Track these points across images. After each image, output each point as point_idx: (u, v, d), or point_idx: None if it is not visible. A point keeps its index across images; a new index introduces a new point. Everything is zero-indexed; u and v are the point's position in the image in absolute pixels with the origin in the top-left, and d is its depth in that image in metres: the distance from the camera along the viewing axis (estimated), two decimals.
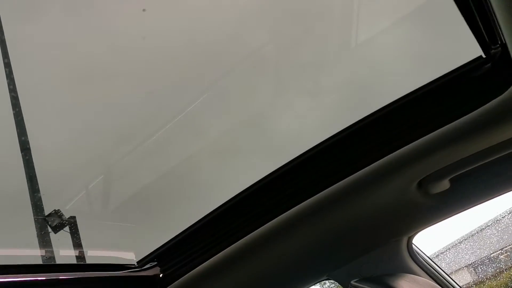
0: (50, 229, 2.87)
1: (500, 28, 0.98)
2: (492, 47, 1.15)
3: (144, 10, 2.66)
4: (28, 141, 3.06)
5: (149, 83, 2.91)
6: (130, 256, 1.67)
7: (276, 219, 1.47)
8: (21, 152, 3.02)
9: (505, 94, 1.16)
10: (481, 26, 1.09)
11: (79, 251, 2.50)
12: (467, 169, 1.36)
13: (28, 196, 2.94)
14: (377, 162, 1.36)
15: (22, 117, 3.08)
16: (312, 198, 1.44)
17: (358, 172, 1.39)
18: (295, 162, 1.48)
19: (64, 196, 2.91)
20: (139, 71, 2.96)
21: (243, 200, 1.52)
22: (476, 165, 1.35)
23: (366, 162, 1.38)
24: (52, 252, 2.86)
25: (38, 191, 2.94)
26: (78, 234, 2.74)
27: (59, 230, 2.84)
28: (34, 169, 2.99)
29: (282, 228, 1.48)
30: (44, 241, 2.87)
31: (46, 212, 2.95)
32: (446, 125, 1.25)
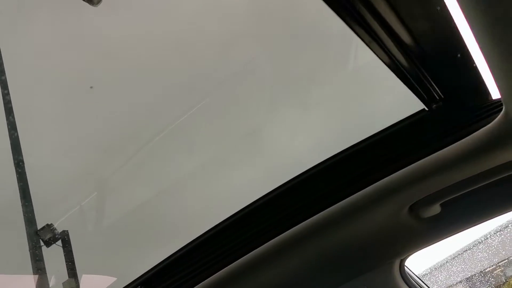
0: (42, 243, 2.86)
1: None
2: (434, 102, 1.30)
3: (91, 87, 2.68)
4: (22, 157, 3.05)
5: (139, 95, 2.90)
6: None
7: (268, 242, 1.49)
8: (15, 165, 3.01)
9: (492, 124, 1.18)
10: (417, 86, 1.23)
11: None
12: (457, 195, 1.39)
13: (21, 209, 2.94)
14: (370, 186, 1.39)
15: (17, 131, 3.08)
16: (305, 221, 1.47)
17: (351, 196, 1.42)
18: (288, 185, 1.50)
19: (57, 210, 2.90)
20: (129, 83, 2.95)
21: (234, 224, 1.54)
22: (466, 191, 1.38)
23: (359, 186, 1.40)
24: (43, 265, 2.86)
25: (31, 204, 2.93)
26: (71, 249, 2.74)
27: (51, 244, 2.83)
28: (27, 182, 2.98)
29: (275, 251, 1.50)
30: (36, 255, 2.86)
31: (39, 226, 2.95)
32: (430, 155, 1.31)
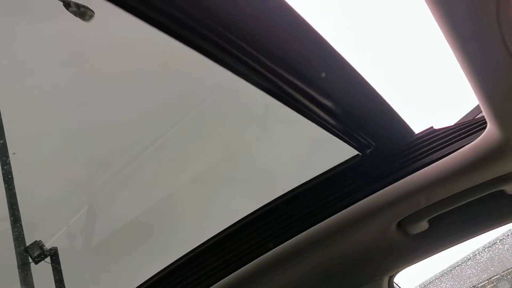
0: (31, 260, 2.84)
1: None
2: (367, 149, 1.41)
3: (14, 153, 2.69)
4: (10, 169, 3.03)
5: (129, 110, 2.90)
6: None
7: (255, 260, 1.49)
8: (4, 181, 2.99)
9: (477, 141, 1.22)
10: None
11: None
12: (445, 211, 1.41)
13: (9, 226, 2.91)
14: (358, 203, 1.40)
15: (6, 145, 3.05)
16: (293, 238, 1.47)
17: (339, 213, 1.43)
18: (275, 203, 1.51)
19: (46, 226, 2.89)
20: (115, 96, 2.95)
21: (224, 239, 1.54)
22: (453, 207, 1.40)
23: (347, 203, 1.42)
24: (32, 282, 2.83)
25: (20, 220, 2.91)
26: (59, 266, 2.72)
27: (40, 261, 2.81)
28: (16, 197, 2.96)
29: (263, 268, 1.50)
30: (25, 271, 2.83)
31: (28, 243, 2.93)
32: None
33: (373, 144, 1.38)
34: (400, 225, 1.43)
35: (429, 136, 1.40)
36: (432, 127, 1.43)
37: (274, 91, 1.14)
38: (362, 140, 1.37)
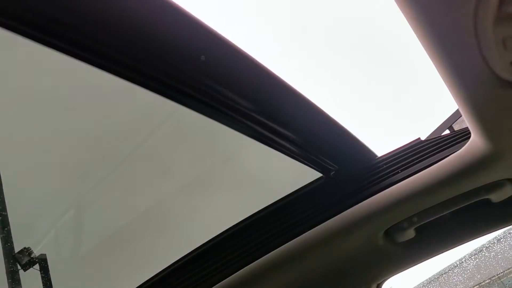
0: (19, 267, 2.82)
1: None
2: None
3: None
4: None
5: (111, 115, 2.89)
6: None
7: (244, 269, 1.50)
8: None
9: (461, 150, 1.26)
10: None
11: None
12: (431, 219, 1.43)
13: None
14: (345, 212, 1.43)
15: None
16: (280, 247, 1.49)
17: (326, 222, 1.45)
18: (263, 213, 1.53)
19: (35, 233, 2.86)
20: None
21: (210, 250, 1.55)
22: (439, 215, 1.43)
23: (334, 212, 1.44)
24: None
25: (8, 226, 2.88)
26: (48, 273, 2.71)
27: (28, 268, 2.79)
28: (5, 203, 2.94)
29: (251, 276, 1.51)
30: (13, 279, 2.81)
31: (16, 249, 2.90)
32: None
33: (336, 166, 1.46)
34: (388, 233, 1.46)
35: (417, 147, 1.44)
36: (419, 138, 1.48)
37: (240, 128, 1.24)
38: (323, 163, 1.45)
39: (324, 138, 1.37)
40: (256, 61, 1.06)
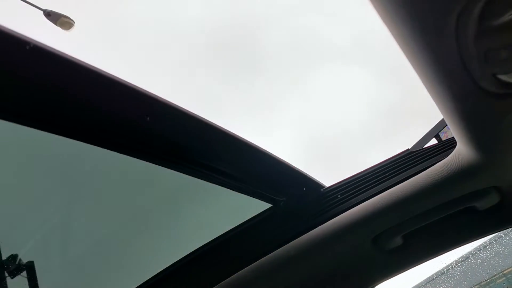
0: (7, 274, 2.79)
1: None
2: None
3: None
4: None
5: None
6: None
7: (232, 276, 1.50)
8: None
9: (447, 159, 1.28)
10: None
11: None
12: (418, 227, 1.45)
13: None
14: (332, 220, 1.44)
15: None
16: (267, 256, 1.50)
17: (314, 230, 1.46)
18: (258, 218, 1.54)
19: (22, 240, 2.83)
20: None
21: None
22: (426, 223, 1.45)
23: (323, 219, 1.46)
24: None
25: None
26: (36, 280, 2.68)
27: (16, 275, 2.77)
28: None
29: (241, 284, 1.51)
30: (1, 286, 2.78)
31: (4, 256, 2.87)
32: None
33: (284, 198, 1.54)
34: (375, 241, 1.47)
35: (405, 157, 1.47)
36: (408, 149, 1.51)
37: (193, 174, 1.36)
38: (270, 195, 1.53)
39: (269, 174, 1.47)
40: (200, 117, 1.18)
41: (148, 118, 1.09)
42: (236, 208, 1.64)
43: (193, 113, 1.16)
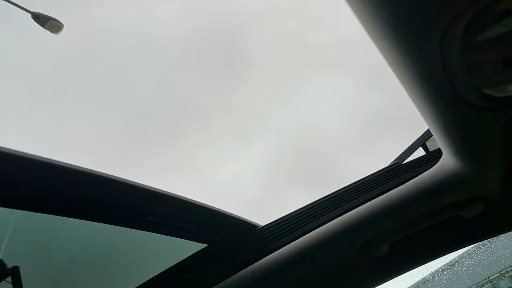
0: None
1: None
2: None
3: None
4: None
5: None
6: None
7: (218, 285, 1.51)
8: None
9: (433, 168, 1.30)
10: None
11: None
12: (405, 235, 1.47)
13: None
14: (320, 228, 1.45)
15: None
16: (258, 262, 1.51)
17: (301, 238, 1.47)
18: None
19: (7, 245, 2.80)
20: None
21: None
22: (413, 231, 1.47)
23: (311, 227, 1.47)
24: None
25: None
26: (21, 286, 2.64)
27: (1, 281, 2.73)
28: None
29: None
30: None
31: None
32: None
33: (217, 238, 1.60)
34: (362, 249, 1.48)
35: (393, 167, 1.49)
36: (397, 162, 1.54)
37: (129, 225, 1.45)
38: (203, 236, 1.60)
39: (199, 218, 1.56)
40: (122, 180, 1.29)
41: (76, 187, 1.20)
42: (172, 250, 1.70)
43: (116, 177, 1.26)
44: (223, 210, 1.58)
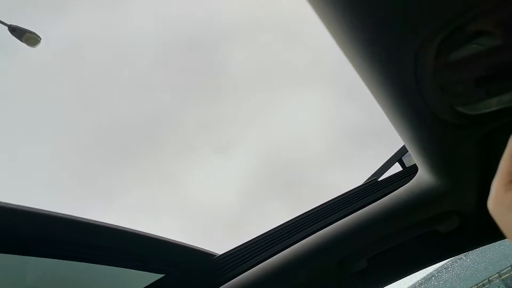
0: None
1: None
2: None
3: None
4: None
5: None
6: None
7: None
8: None
9: (410, 183, 1.33)
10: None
11: None
12: (382, 249, 1.48)
13: None
14: (298, 244, 1.46)
15: None
16: (240, 276, 1.50)
17: (281, 253, 1.47)
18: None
19: None
20: None
21: None
22: (390, 246, 1.48)
23: (289, 243, 1.47)
24: None
25: None
26: None
27: None
28: None
29: None
30: None
31: None
32: None
33: (173, 268, 1.62)
34: (340, 264, 1.49)
35: (370, 183, 1.51)
36: (375, 178, 1.56)
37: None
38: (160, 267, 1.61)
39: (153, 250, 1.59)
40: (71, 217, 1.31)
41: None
42: (130, 282, 1.70)
43: (70, 216, 1.29)
44: (179, 241, 1.62)
